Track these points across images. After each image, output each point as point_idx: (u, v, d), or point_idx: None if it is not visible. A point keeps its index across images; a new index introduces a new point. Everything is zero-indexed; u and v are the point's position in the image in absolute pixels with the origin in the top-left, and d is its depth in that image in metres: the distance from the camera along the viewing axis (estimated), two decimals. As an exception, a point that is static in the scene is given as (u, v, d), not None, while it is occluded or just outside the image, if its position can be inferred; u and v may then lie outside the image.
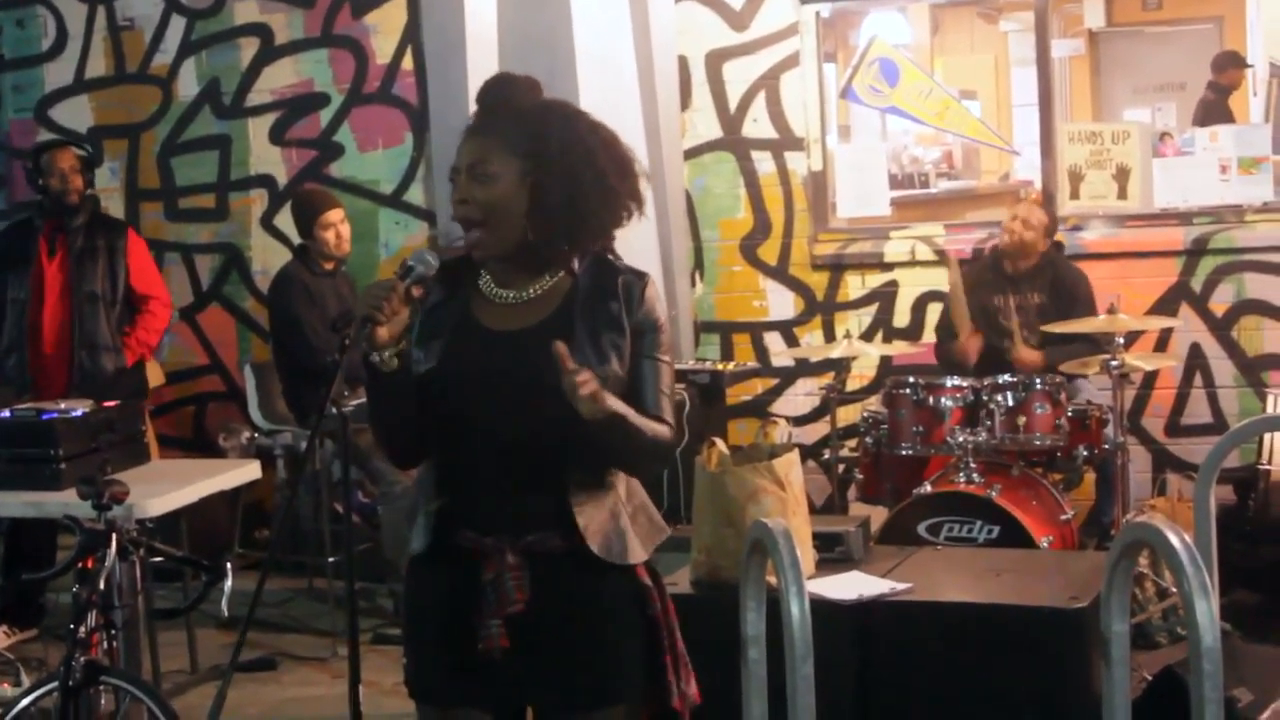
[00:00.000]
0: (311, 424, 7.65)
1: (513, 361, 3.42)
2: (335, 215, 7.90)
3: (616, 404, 3.33)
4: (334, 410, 6.31)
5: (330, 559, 7.50)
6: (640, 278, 3.55)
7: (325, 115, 9.28)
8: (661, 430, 3.48)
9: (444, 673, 3.49)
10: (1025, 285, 7.69)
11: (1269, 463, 7.22)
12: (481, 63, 8.44)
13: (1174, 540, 3.54)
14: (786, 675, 3.66)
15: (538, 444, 3.41)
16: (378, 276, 9.03)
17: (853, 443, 7.72)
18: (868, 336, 8.48)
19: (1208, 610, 3.48)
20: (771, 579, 3.75)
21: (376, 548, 7.71)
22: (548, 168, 3.41)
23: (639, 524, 3.55)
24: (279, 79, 9.32)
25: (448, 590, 3.47)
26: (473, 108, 8.02)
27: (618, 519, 3.51)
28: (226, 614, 4.70)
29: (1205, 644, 3.48)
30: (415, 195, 9.14)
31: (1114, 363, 6.80)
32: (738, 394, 8.66)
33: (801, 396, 8.75)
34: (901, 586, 5.27)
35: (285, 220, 9.03)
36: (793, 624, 3.64)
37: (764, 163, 8.77)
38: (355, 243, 8.18)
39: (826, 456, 7.47)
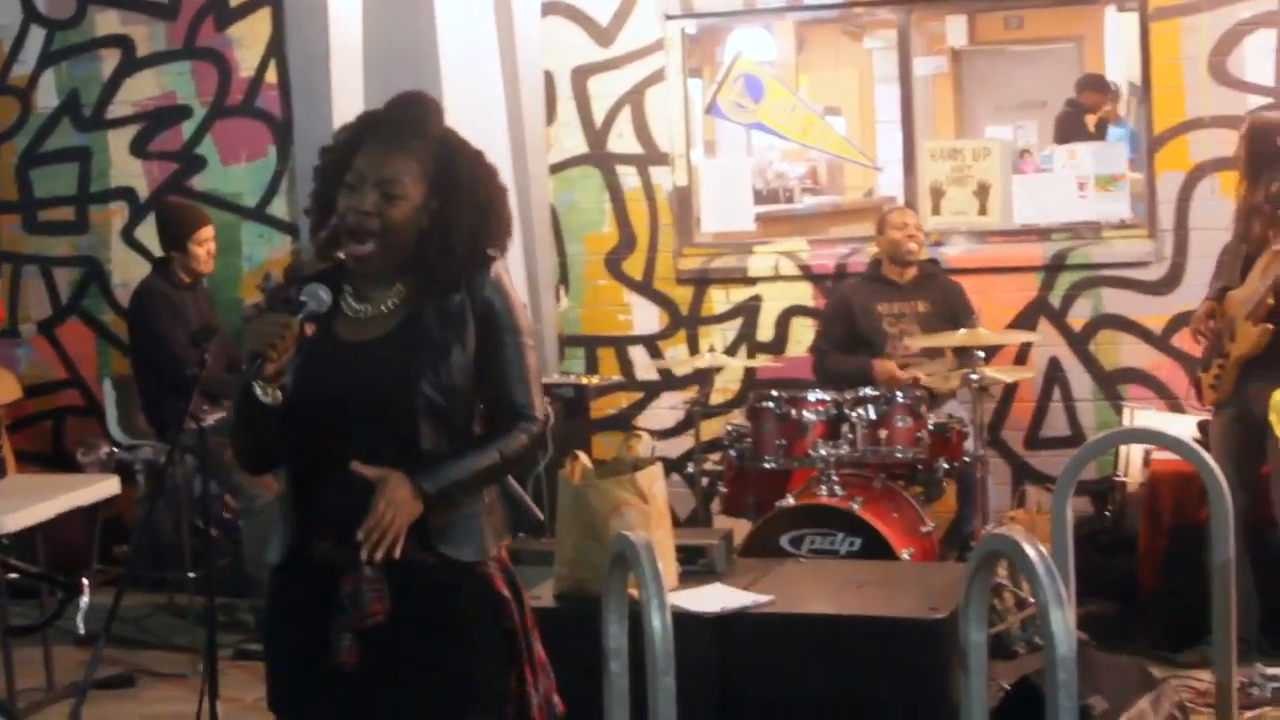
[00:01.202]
0: (171, 438, 7.57)
1: (366, 371, 3.42)
2: (208, 232, 7.87)
3: (436, 483, 3.39)
4: (194, 425, 6.24)
5: (190, 574, 7.42)
6: (485, 258, 3.56)
7: (188, 128, 9.16)
8: (514, 446, 3.49)
9: (300, 686, 3.47)
10: (910, 293, 7.80)
11: (1125, 474, 7.34)
12: (346, 76, 8.40)
13: (1030, 552, 3.60)
14: (648, 687, 3.68)
15: (391, 453, 3.41)
16: (241, 290, 8.97)
17: (716, 456, 7.75)
18: (732, 351, 8.52)
19: (1063, 620, 3.54)
20: (634, 591, 3.77)
21: (238, 562, 7.64)
22: (457, 202, 3.45)
23: (494, 516, 3.57)
24: (141, 91, 9.20)
25: (304, 603, 3.46)
26: (338, 120, 8.01)
27: (471, 518, 3.52)
28: (83, 630, 4.62)
29: (1060, 653, 3.54)
30: (279, 208, 9.06)
31: (973, 376, 6.90)
32: (602, 408, 8.67)
33: (666, 410, 8.76)
34: (763, 599, 5.32)
35: (146, 233, 8.92)
36: (654, 637, 3.66)
37: (629, 178, 8.78)
38: (218, 256, 8.11)
39: (690, 470, 7.50)
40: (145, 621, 7.80)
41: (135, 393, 8.02)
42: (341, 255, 3.44)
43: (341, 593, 3.40)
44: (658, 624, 3.67)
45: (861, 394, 7.01)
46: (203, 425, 7.40)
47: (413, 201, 3.44)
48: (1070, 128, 10.99)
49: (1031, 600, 6.73)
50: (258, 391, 3.32)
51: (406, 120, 3.52)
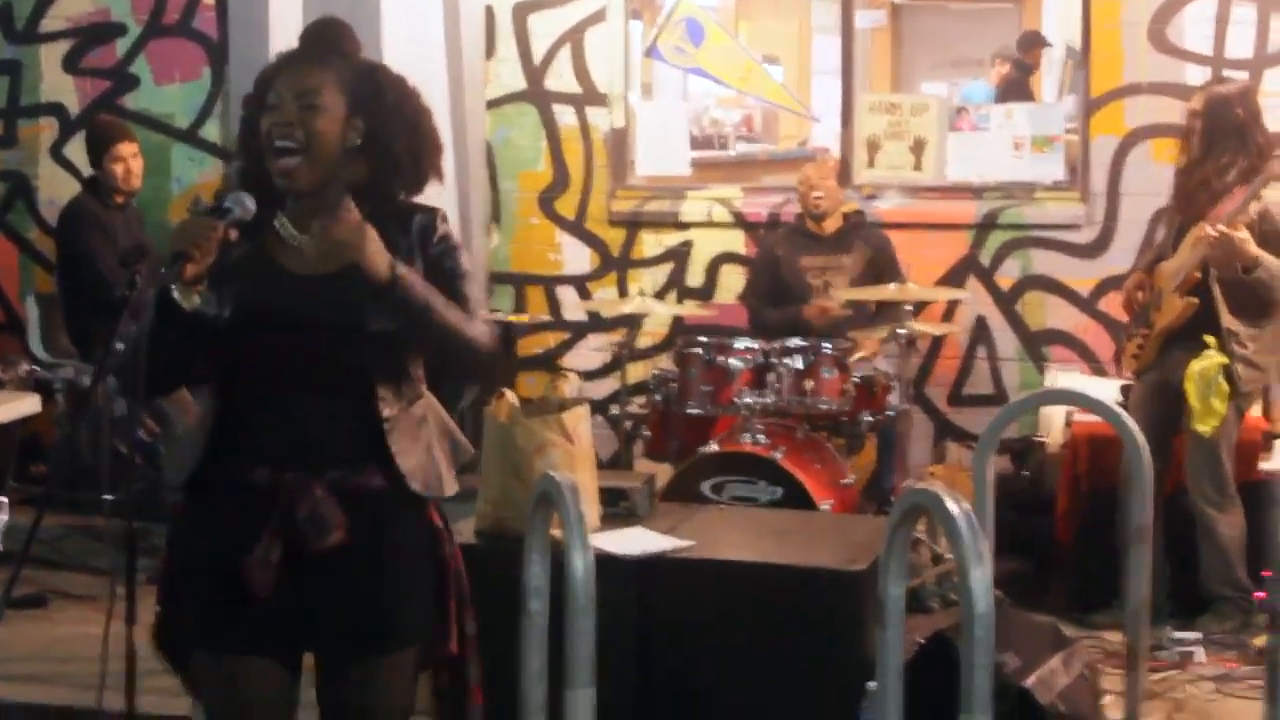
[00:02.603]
0: (97, 358, 7.49)
1: (317, 305, 3.39)
2: (127, 149, 7.73)
3: (401, 268, 3.34)
4: (119, 345, 6.16)
5: (107, 497, 7.35)
6: (430, 213, 3.57)
7: (121, 45, 9.06)
8: (476, 328, 3.46)
9: (225, 617, 3.43)
10: (834, 246, 7.80)
11: (1045, 435, 7.39)
12: (285, 4, 8.30)
13: (953, 507, 3.61)
14: (566, 628, 3.69)
15: (345, 384, 3.40)
16: (170, 213, 8.89)
17: (641, 400, 7.75)
18: (661, 295, 8.51)
19: (982, 578, 3.56)
20: (556, 532, 3.77)
21: (157, 487, 7.57)
22: (385, 115, 3.46)
23: (446, 453, 3.58)
24: (75, 6, 9.09)
25: (235, 530, 3.40)
26: (274, 45, 7.90)
27: (431, 451, 3.53)
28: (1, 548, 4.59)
29: (979, 610, 3.56)
30: (211, 132, 8.98)
31: (901, 330, 6.92)
32: (529, 347, 8.68)
33: (592, 352, 8.76)
34: (683, 544, 5.33)
35: (76, 151, 8.82)
36: (576, 577, 3.67)
37: (566, 117, 8.75)
38: (147, 177, 8.02)
39: (615, 412, 7.49)
40: (60, 543, 7.72)
41: (59, 311, 7.94)
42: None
43: (298, 516, 3.37)
44: (580, 564, 3.67)
45: (789, 344, 7.02)
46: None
47: (334, 114, 3.42)
48: (1017, 89, 11.03)
49: (948, 556, 6.80)
50: (176, 295, 3.27)
51: (320, 40, 3.54)
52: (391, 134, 3.46)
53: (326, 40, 3.53)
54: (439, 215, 3.57)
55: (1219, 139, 6.42)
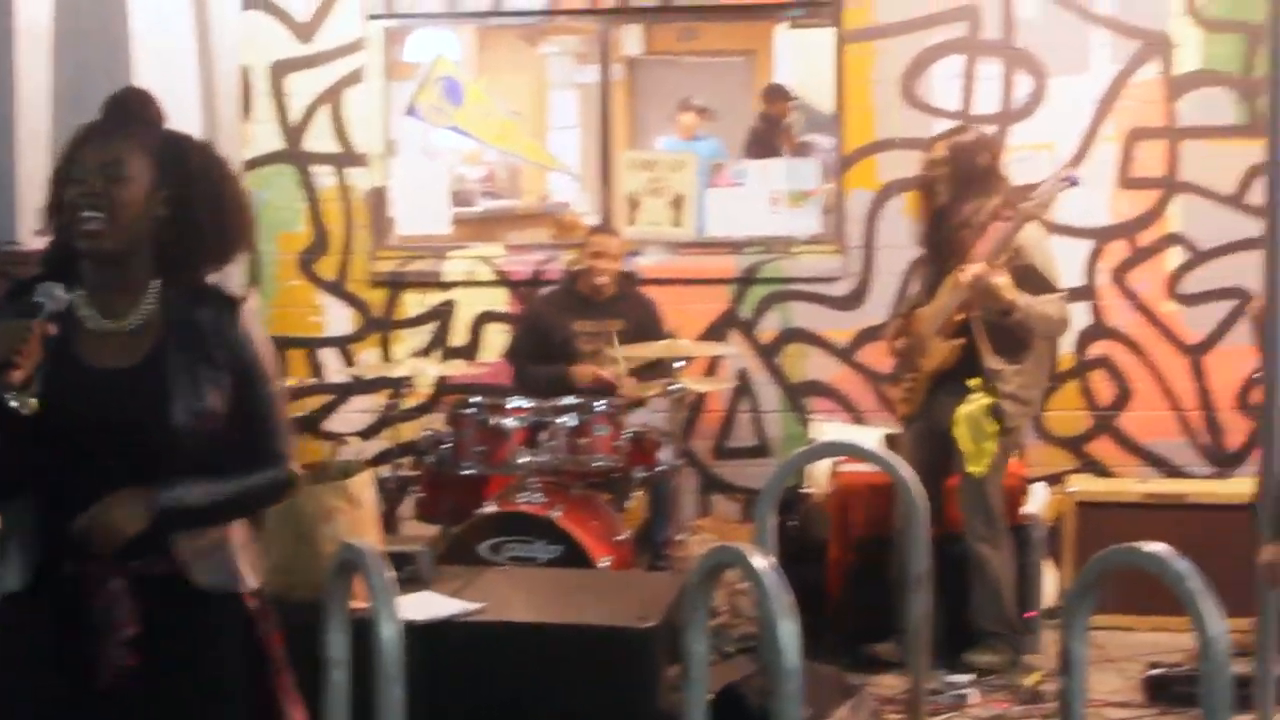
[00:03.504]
0: None
1: (114, 402, 3.31)
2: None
3: (167, 499, 3.30)
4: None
5: None
6: (232, 303, 3.48)
7: None
8: (257, 482, 3.45)
9: (47, 712, 3.32)
10: (606, 311, 7.83)
11: (810, 485, 7.51)
12: (32, 57, 8.10)
13: (759, 563, 3.68)
14: (378, 698, 3.66)
15: (138, 479, 3.30)
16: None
17: (408, 461, 7.69)
18: (424, 354, 8.48)
19: (791, 631, 3.63)
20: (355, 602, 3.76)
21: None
22: (193, 185, 3.38)
23: (245, 541, 3.50)
24: None
25: (50, 625, 3.32)
26: (23, 104, 7.71)
27: (224, 545, 3.45)
28: None
29: (788, 665, 3.63)
30: (-46, 195, 8.71)
31: (673, 386, 6.99)
32: (291, 410, 8.53)
33: (356, 414, 8.67)
34: (473, 606, 5.31)
35: None
36: (385, 646, 3.64)
37: (325, 177, 8.68)
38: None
39: (385, 474, 7.40)
40: None
41: None
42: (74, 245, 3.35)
43: (94, 611, 3.29)
44: (389, 633, 3.65)
45: (563, 403, 7.03)
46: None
47: (140, 184, 3.34)
48: (764, 141, 11.19)
49: (722, 609, 6.89)
50: (12, 403, 3.17)
51: (124, 110, 3.47)
52: (196, 203, 3.39)
53: (130, 109, 3.46)
54: (238, 305, 3.48)
55: (966, 183, 6.62)
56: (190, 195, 3.39)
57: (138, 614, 3.31)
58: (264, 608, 3.55)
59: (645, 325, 7.81)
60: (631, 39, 14.65)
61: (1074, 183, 6.56)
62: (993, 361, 6.49)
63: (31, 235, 8.13)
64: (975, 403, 6.41)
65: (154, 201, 3.37)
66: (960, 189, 6.62)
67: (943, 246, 6.71)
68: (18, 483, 3.31)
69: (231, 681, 3.46)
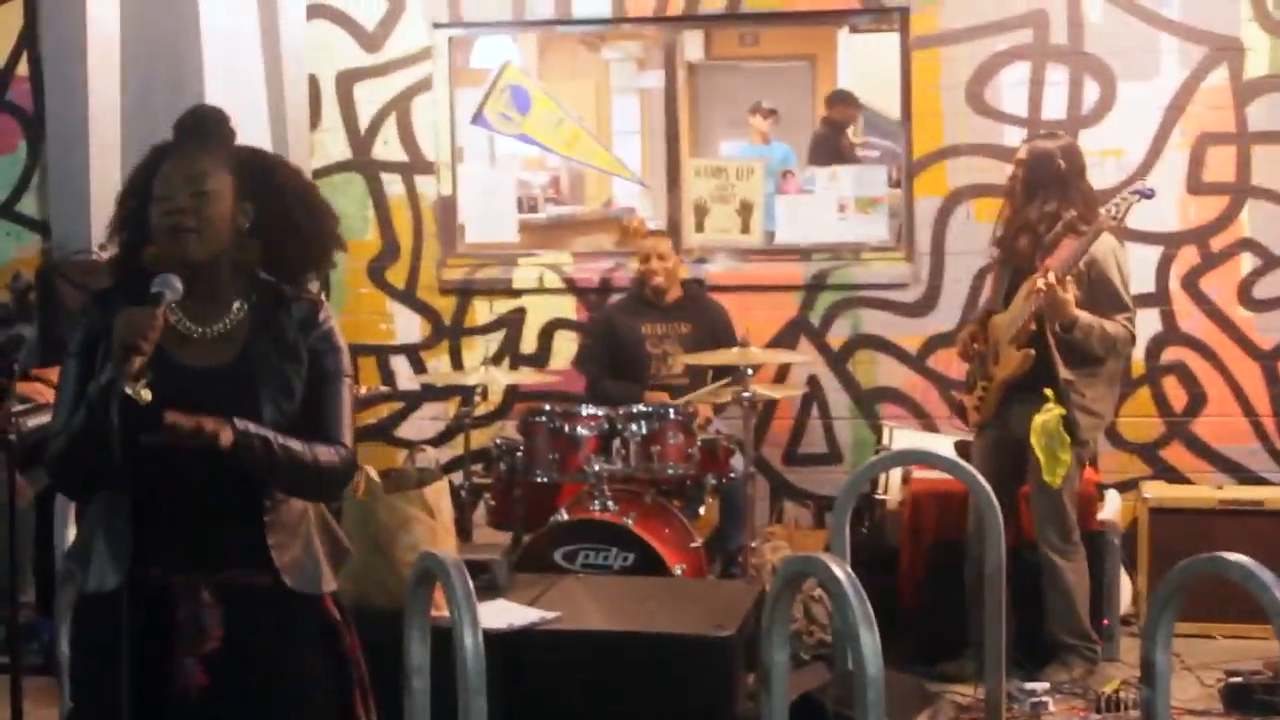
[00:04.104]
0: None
1: (207, 400, 3.36)
2: (-47, 227, 7.57)
3: (247, 425, 3.33)
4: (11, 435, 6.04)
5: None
6: (314, 305, 3.57)
7: (-68, 119, 8.85)
8: (326, 455, 3.46)
9: (132, 716, 3.36)
10: (673, 315, 7.86)
11: (884, 492, 7.48)
12: (102, 71, 8.19)
13: (839, 573, 3.67)
14: (459, 707, 3.67)
15: (231, 481, 3.36)
16: (-14, 289, 8.69)
17: (479, 468, 7.71)
18: (494, 362, 8.49)
19: (872, 641, 3.62)
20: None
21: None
22: (270, 197, 3.43)
23: (326, 549, 3.54)
24: (-119, 79, 8.86)
25: (135, 630, 3.35)
26: (94, 117, 7.77)
27: (311, 547, 3.49)
28: None
29: (870, 674, 3.62)
30: (29, 206, 8.77)
31: (746, 394, 6.98)
32: (363, 418, 8.59)
33: (427, 421, 8.72)
34: (550, 615, 5.32)
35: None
36: (467, 656, 3.65)
37: (393, 185, 8.72)
38: (-38, 255, 7.86)
39: (465, 483, 7.41)
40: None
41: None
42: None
43: (178, 618, 3.33)
44: (470, 643, 3.66)
45: (634, 410, 7.04)
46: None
47: (225, 199, 3.43)
48: (828, 146, 11.18)
49: (797, 617, 6.87)
50: (129, 390, 3.21)
51: (201, 127, 3.55)
52: (278, 216, 3.48)
53: (204, 127, 3.53)
54: (321, 306, 3.58)
55: (1039, 188, 6.58)
56: (271, 208, 3.47)
57: (223, 625, 3.35)
58: (345, 616, 3.58)
59: (716, 331, 7.82)
60: (693, 44, 14.63)
61: (1149, 195, 6.49)
62: (1066, 373, 6.45)
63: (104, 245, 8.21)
64: (1050, 413, 6.36)
65: (238, 214, 3.42)
66: (1031, 194, 6.58)
67: (1014, 250, 6.67)
68: (117, 477, 3.32)
69: (314, 688, 3.49)
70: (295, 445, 3.41)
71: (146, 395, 3.24)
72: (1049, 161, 6.60)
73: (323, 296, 8.14)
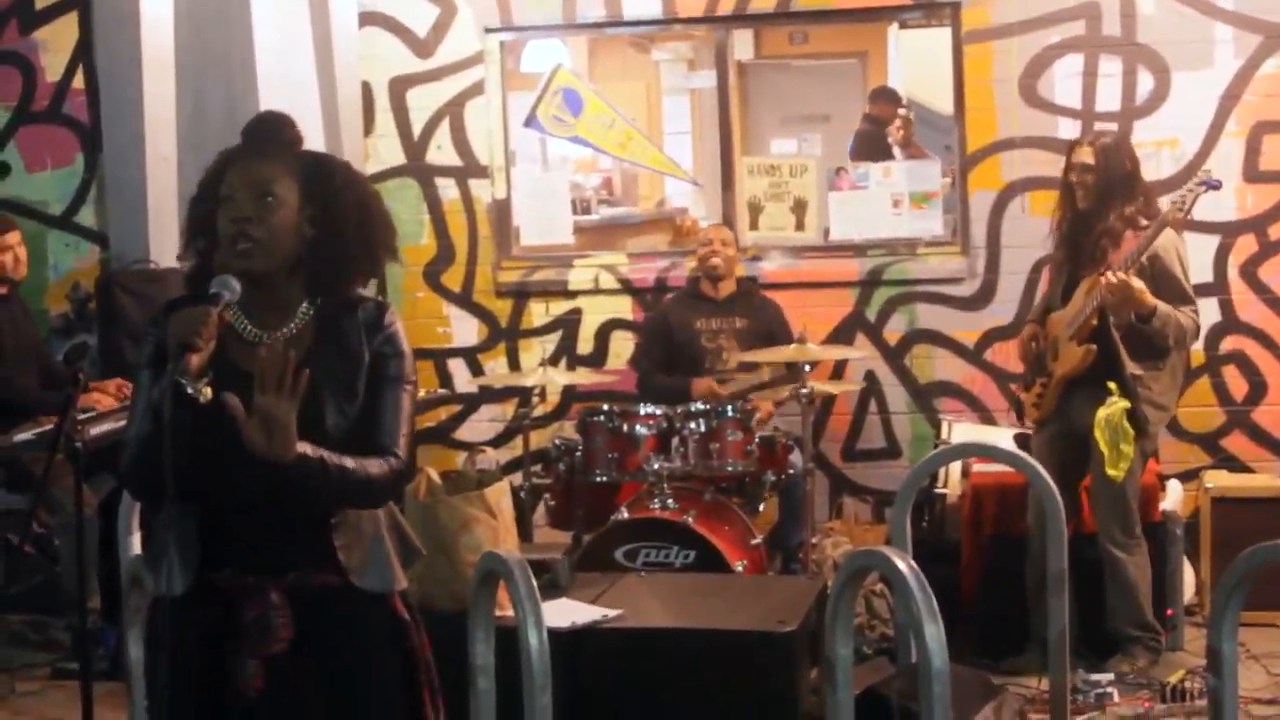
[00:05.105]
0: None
1: None
2: (13, 238, 7.63)
3: (304, 447, 3.30)
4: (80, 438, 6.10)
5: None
6: (379, 307, 3.58)
7: (-10, 133, 8.95)
8: (375, 468, 3.44)
9: (200, 717, 3.40)
10: (727, 309, 7.88)
11: (944, 486, 7.47)
12: (158, 83, 8.26)
13: (902, 566, 3.67)
14: (524, 706, 3.68)
15: (287, 482, 3.34)
16: (46, 301, 8.77)
17: (538, 468, 7.73)
18: (551, 363, 8.50)
19: (937, 634, 3.62)
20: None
21: (52, 580, 7.47)
22: (337, 202, 3.44)
23: (395, 548, 3.56)
24: (-59, 94, 8.96)
25: (204, 630, 3.40)
26: (151, 128, 7.81)
27: (380, 546, 3.51)
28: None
29: (935, 667, 3.62)
30: (86, 217, 8.88)
31: (804, 390, 6.98)
32: (422, 421, 8.62)
33: (485, 423, 8.76)
34: (613, 613, 5.33)
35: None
36: (531, 654, 3.66)
37: (448, 190, 8.77)
38: (23, 266, 7.91)
39: (524, 483, 7.43)
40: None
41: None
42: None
43: (245, 619, 3.36)
44: (535, 642, 3.67)
45: (692, 408, 7.06)
46: (15, 440, 7.23)
47: (290, 207, 3.43)
48: (871, 143, 11.13)
49: (859, 611, 6.86)
50: (189, 389, 3.24)
51: (267, 134, 3.55)
52: (345, 221, 3.47)
53: (272, 133, 3.53)
54: (386, 310, 3.58)
55: (1112, 188, 6.53)
56: (336, 213, 3.47)
57: (292, 626, 3.38)
58: (414, 615, 3.60)
59: (771, 328, 7.84)
60: (742, 43, 14.59)
61: (1216, 186, 6.44)
62: (1132, 366, 6.42)
63: (161, 254, 8.27)
64: (1113, 406, 6.32)
65: (302, 221, 3.44)
66: (1105, 194, 6.52)
67: (1081, 250, 6.62)
68: (176, 478, 3.30)
69: (383, 688, 3.51)
70: (349, 464, 3.39)
71: (207, 393, 3.25)
72: (1121, 161, 6.57)
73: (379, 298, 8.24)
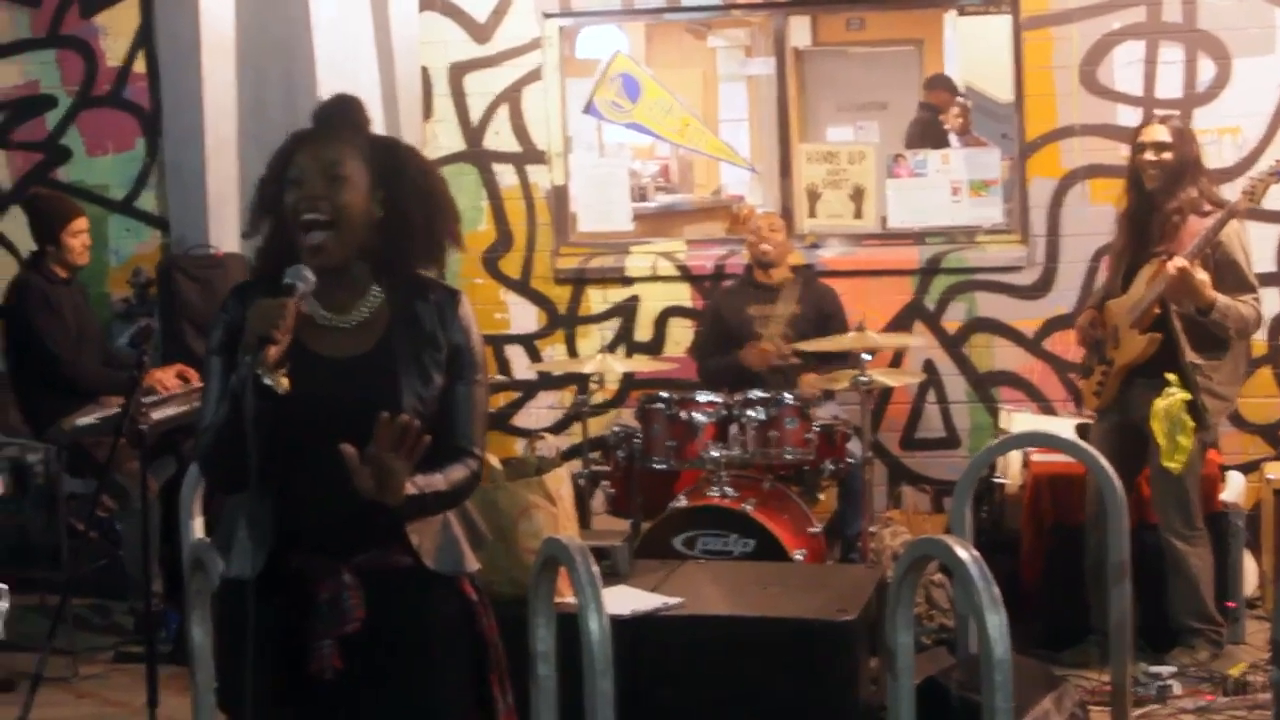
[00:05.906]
0: (50, 436, 7.43)
1: (348, 389, 3.40)
2: (82, 223, 7.69)
3: (411, 487, 3.32)
4: (143, 424, 6.13)
5: (67, 575, 7.25)
6: (453, 295, 3.58)
7: (52, 118, 8.98)
8: (459, 475, 3.48)
9: (273, 697, 3.41)
10: (779, 295, 7.86)
11: (1004, 476, 7.44)
12: (218, 68, 8.32)
13: (963, 555, 3.65)
14: (585, 691, 3.68)
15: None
16: (108, 285, 8.83)
17: (596, 455, 7.73)
18: (609, 350, 8.52)
19: (999, 623, 3.60)
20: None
21: (115, 564, 7.52)
22: (405, 185, 3.45)
23: (465, 532, 3.57)
24: (3, 79, 9.00)
25: (277, 612, 3.40)
26: (210, 114, 7.87)
27: (450, 528, 3.54)
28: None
29: (997, 656, 3.60)
30: (147, 202, 8.92)
31: (863, 379, 6.96)
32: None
33: (544, 410, 8.77)
34: (673, 601, 5.33)
35: (7, 226, 8.79)
36: (593, 640, 3.66)
37: (506, 176, 8.76)
38: (86, 251, 7.96)
39: (583, 470, 7.43)
40: (15, 624, 7.58)
41: (8, 389, 7.84)
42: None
43: (319, 599, 3.37)
44: (596, 627, 3.66)
45: (750, 396, 7.05)
46: (78, 424, 7.29)
47: (359, 188, 3.44)
48: (927, 131, 11.10)
49: (918, 601, 6.84)
50: (267, 381, 3.25)
51: (337, 115, 3.56)
52: (412, 205, 3.48)
53: (343, 115, 3.54)
54: (460, 298, 3.59)
55: (1185, 167, 6.48)
56: (405, 196, 3.47)
57: (364, 607, 3.39)
58: (484, 598, 3.61)
59: (823, 314, 7.81)
60: (799, 30, 14.55)
61: None
62: (1193, 356, 6.37)
63: (221, 239, 8.32)
64: (1172, 397, 6.28)
65: (371, 203, 3.44)
66: (1179, 173, 6.46)
67: (1146, 233, 6.56)
68: (259, 467, 3.32)
69: (453, 669, 3.53)
70: (443, 487, 3.43)
71: (285, 384, 3.27)
72: (1192, 144, 6.53)
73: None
